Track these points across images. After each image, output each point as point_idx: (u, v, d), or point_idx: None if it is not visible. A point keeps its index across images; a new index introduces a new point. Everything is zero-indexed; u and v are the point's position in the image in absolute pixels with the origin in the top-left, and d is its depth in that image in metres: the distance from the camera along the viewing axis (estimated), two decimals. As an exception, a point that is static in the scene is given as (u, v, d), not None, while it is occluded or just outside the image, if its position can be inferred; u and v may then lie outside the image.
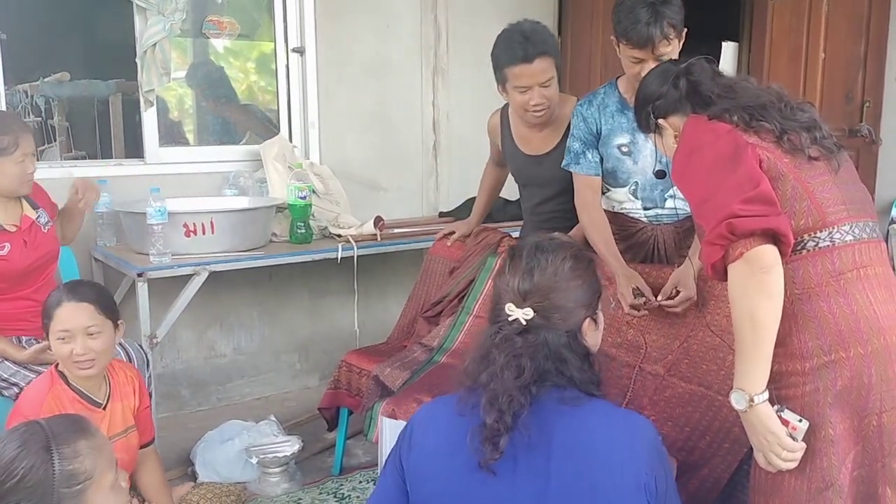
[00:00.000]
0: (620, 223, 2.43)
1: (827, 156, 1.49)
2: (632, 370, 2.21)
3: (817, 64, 4.32)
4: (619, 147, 2.34)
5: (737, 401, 1.40)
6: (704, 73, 1.61)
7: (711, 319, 2.13)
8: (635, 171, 2.34)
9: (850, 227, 1.45)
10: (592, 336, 1.47)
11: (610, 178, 2.39)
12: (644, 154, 2.32)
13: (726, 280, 1.40)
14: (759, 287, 1.35)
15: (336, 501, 2.73)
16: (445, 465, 1.37)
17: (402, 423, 2.04)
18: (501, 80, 2.50)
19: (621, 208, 2.42)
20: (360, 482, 2.85)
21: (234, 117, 3.87)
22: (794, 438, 1.40)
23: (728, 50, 3.90)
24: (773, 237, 1.35)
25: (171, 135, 3.65)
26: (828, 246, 1.43)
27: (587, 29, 4.12)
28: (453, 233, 3.04)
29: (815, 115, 1.52)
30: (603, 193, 2.41)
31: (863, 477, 1.45)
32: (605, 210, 2.42)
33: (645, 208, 2.37)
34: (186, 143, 3.69)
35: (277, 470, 2.80)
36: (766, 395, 1.39)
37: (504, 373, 1.34)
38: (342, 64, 3.76)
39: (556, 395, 1.36)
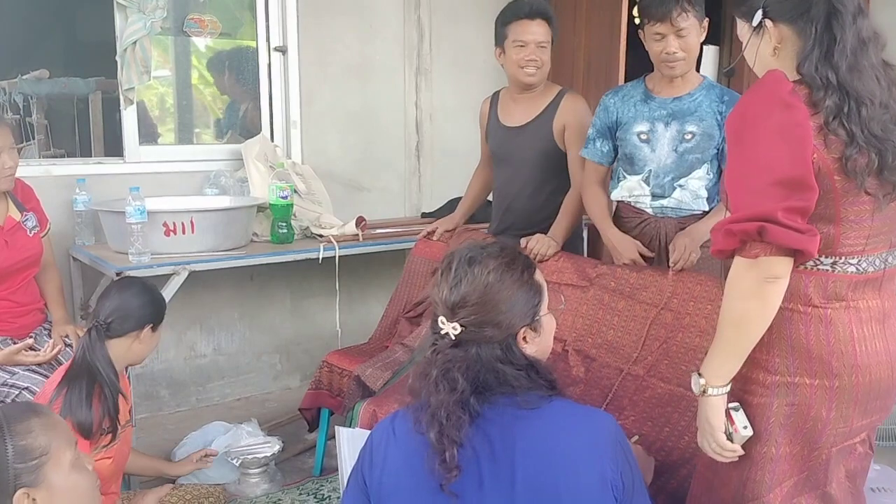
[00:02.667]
0: (627, 214, 2.52)
1: (882, 192, 1.35)
2: (612, 371, 2.22)
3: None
4: (638, 134, 2.43)
5: (693, 383, 1.42)
6: (851, 13, 1.35)
7: (691, 321, 2.14)
8: (651, 159, 2.42)
9: (858, 261, 1.38)
10: (534, 344, 1.42)
11: (626, 165, 2.49)
12: (662, 143, 2.40)
13: (723, 259, 1.36)
14: (758, 293, 1.31)
15: (316, 502, 2.72)
16: (408, 485, 1.34)
17: (358, 433, 2.02)
18: (502, 39, 2.69)
19: (630, 196, 2.49)
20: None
21: (215, 116, 3.85)
22: (730, 439, 1.41)
23: (709, 53, 3.92)
24: (795, 252, 1.29)
25: (152, 133, 3.63)
26: (827, 270, 1.38)
27: (570, 29, 4.12)
28: (435, 230, 3.05)
29: None
30: (619, 181, 2.52)
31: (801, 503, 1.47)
32: (616, 200, 2.57)
33: (653, 196, 2.44)
34: (167, 142, 3.66)
35: (257, 471, 2.79)
36: (723, 390, 1.39)
37: (438, 387, 1.31)
38: (325, 63, 3.75)
39: (509, 401, 1.33)
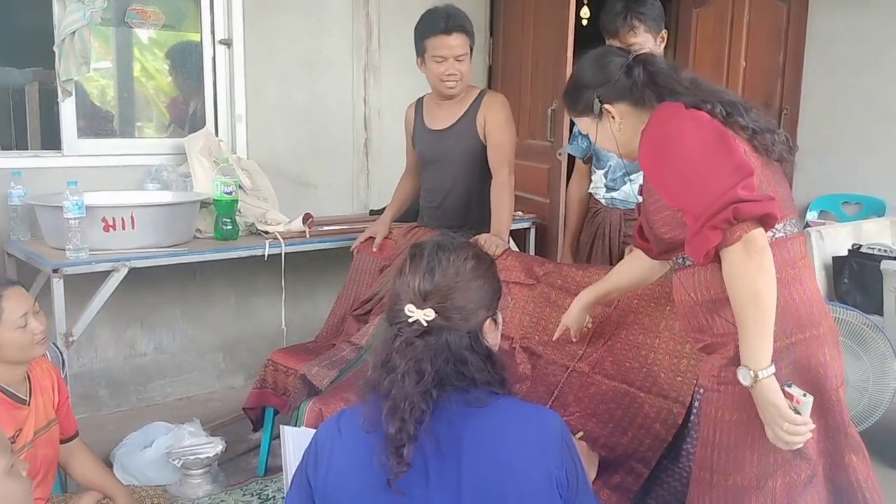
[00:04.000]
0: (591, 205, 2.80)
1: (782, 159, 1.56)
2: (558, 368, 2.24)
3: (738, 71, 4.47)
4: None
5: (743, 377, 1.45)
6: (661, 66, 1.63)
7: (635, 319, 2.17)
8: (611, 157, 2.59)
9: (795, 221, 1.56)
10: (493, 336, 1.44)
11: (595, 161, 2.70)
12: None
13: (708, 263, 1.46)
14: (759, 268, 1.41)
15: (260, 503, 2.68)
16: (354, 484, 1.32)
17: (303, 431, 1.98)
18: (421, 52, 2.74)
19: (593, 189, 2.76)
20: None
21: (157, 110, 3.76)
22: (797, 412, 1.44)
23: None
24: (762, 221, 1.41)
25: (91, 126, 3.51)
26: (783, 237, 1.51)
27: (518, 30, 4.15)
28: (373, 238, 3.06)
29: (771, 122, 1.58)
30: (591, 177, 2.74)
31: (829, 449, 1.54)
32: (589, 193, 2.77)
33: (606, 189, 2.65)
34: (107, 135, 3.55)
35: (200, 472, 2.74)
36: (770, 369, 1.43)
37: (405, 379, 1.30)
38: (271, 58, 3.70)
39: (460, 398, 1.33)
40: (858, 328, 3.00)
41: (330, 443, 1.38)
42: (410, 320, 1.35)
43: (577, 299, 2.14)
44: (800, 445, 1.47)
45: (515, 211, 3.29)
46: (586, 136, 2.59)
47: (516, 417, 1.36)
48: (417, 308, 1.34)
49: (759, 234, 1.41)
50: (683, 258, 1.60)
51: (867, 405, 2.96)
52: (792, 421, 1.43)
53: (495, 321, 1.46)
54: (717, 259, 1.45)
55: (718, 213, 1.39)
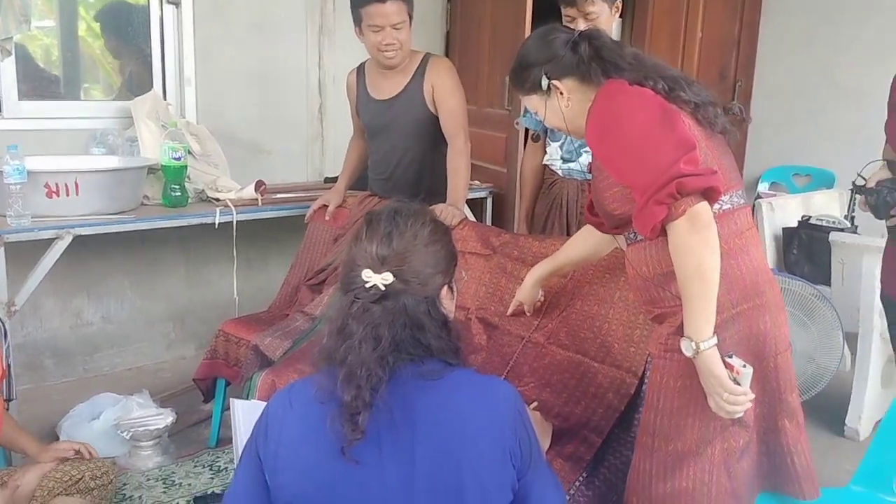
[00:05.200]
0: (546, 176, 2.74)
1: (725, 131, 1.59)
2: (513, 338, 2.23)
3: (695, 43, 4.48)
4: None
5: (685, 348, 1.47)
6: (607, 40, 1.64)
7: (590, 290, 2.17)
8: None
9: (741, 193, 1.58)
10: (449, 304, 1.44)
11: (550, 133, 2.66)
12: None
13: (655, 236, 1.47)
14: (703, 241, 1.42)
15: (212, 474, 2.65)
16: (306, 456, 1.30)
17: (253, 404, 1.95)
18: (358, 21, 2.67)
19: (549, 160, 2.70)
20: (238, 454, 2.78)
21: (103, 71, 3.62)
22: (737, 383, 1.47)
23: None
24: (706, 195, 1.43)
25: (34, 88, 3.36)
26: (729, 209, 1.53)
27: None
28: (326, 206, 3.01)
29: (712, 95, 1.59)
30: (545, 149, 2.70)
31: (764, 414, 1.59)
32: (544, 164, 2.72)
33: (563, 160, 2.61)
34: (50, 97, 3.41)
35: (150, 443, 2.70)
36: (712, 341, 1.46)
37: (362, 345, 1.28)
38: (222, 19, 3.59)
39: (414, 369, 1.31)
40: (806, 298, 3.06)
41: (281, 415, 1.35)
42: (368, 285, 1.32)
43: (530, 274, 2.15)
44: (740, 414, 1.51)
45: (472, 180, 3.27)
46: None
47: (470, 389, 1.35)
48: (375, 272, 1.32)
49: (703, 208, 1.42)
50: (635, 233, 1.61)
51: (814, 373, 3.03)
52: (732, 391, 1.47)
53: (451, 289, 1.45)
54: (664, 233, 1.46)
55: (662, 188, 1.41)
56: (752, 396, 1.50)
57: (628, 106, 1.50)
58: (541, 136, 2.68)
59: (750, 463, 1.60)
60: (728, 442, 1.56)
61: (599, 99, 1.56)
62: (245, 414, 1.75)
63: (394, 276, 1.32)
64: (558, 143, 2.65)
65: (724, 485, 1.55)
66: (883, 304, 2.44)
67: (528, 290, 2.16)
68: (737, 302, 1.51)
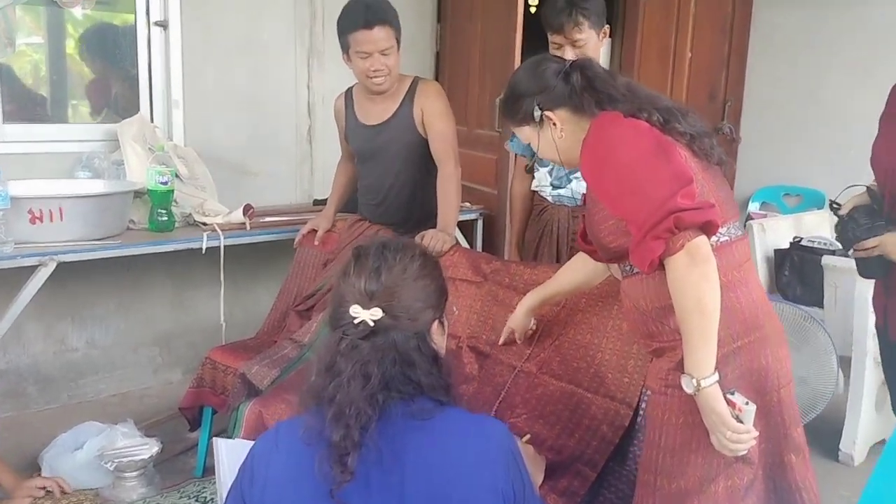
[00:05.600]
0: (535, 202, 2.73)
1: (721, 162, 1.57)
2: (505, 368, 2.20)
3: (684, 63, 4.49)
4: None
5: (686, 385, 1.45)
6: (599, 71, 1.62)
7: (583, 318, 2.14)
8: None
9: (738, 224, 1.56)
10: (440, 339, 1.42)
11: (537, 158, 2.55)
12: None
13: (652, 271, 1.45)
14: (703, 276, 1.40)
15: (198, 505, 2.59)
16: (293, 499, 1.27)
17: (238, 444, 1.89)
18: (345, 48, 2.63)
19: (538, 186, 2.68)
20: (225, 484, 2.72)
21: (89, 93, 3.58)
22: (740, 420, 1.45)
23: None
24: (704, 229, 1.41)
25: (18, 111, 3.32)
26: (727, 241, 1.51)
27: (466, 17, 4.08)
28: (315, 231, 2.98)
29: (707, 125, 1.57)
30: (534, 174, 2.67)
31: (769, 449, 1.56)
32: (533, 190, 2.71)
33: (553, 186, 2.60)
34: (34, 121, 3.37)
35: (134, 474, 2.63)
36: (714, 377, 1.43)
37: (351, 383, 1.25)
38: (210, 41, 3.56)
39: (404, 409, 1.29)
40: (798, 323, 3.04)
41: (266, 457, 1.32)
42: (356, 321, 1.30)
43: (522, 303, 2.12)
44: (743, 452, 1.48)
45: (462, 202, 3.24)
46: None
47: (461, 430, 1.32)
48: (363, 308, 1.30)
49: (701, 242, 1.40)
50: (631, 266, 1.58)
51: (809, 398, 3.01)
52: (734, 429, 1.44)
53: (442, 324, 1.43)
54: (661, 268, 1.44)
55: (660, 223, 1.38)
56: (756, 434, 1.47)
57: (623, 139, 1.48)
58: (534, 166, 2.66)
59: (756, 501, 1.56)
60: (732, 479, 1.53)
61: (593, 131, 1.54)
62: (229, 454, 1.70)
63: (383, 311, 1.30)
64: (547, 169, 2.63)
65: None
66: (877, 331, 2.42)
67: (519, 318, 2.13)
68: (737, 336, 1.49)
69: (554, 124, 1.62)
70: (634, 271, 1.57)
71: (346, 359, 1.28)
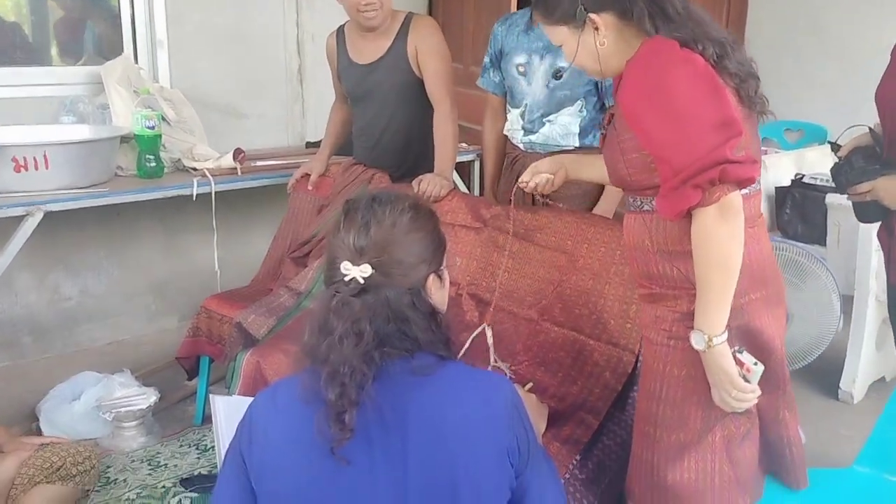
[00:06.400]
0: (508, 150, 2.60)
1: (763, 111, 1.48)
2: (505, 315, 2.16)
3: (685, -4, 4.35)
4: (517, 66, 2.41)
5: (696, 341, 1.41)
6: None
7: (584, 263, 2.10)
8: (528, 93, 2.41)
9: (758, 178, 1.48)
10: (438, 294, 1.36)
11: (510, 97, 2.50)
12: (537, 76, 2.37)
13: (676, 220, 1.39)
14: (731, 233, 1.36)
15: (198, 453, 2.59)
16: (293, 459, 1.24)
17: (236, 400, 1.87)
18: None
19: (509, 130, 2.54)
20: (225, 432, 2.72)
21: (70, 34, 3.45)
22: (747, 380, 1.43)
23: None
24: (740, 184, 1.36)
25: (-1, 52, 3.21)
26: (747, 194, 1.43)
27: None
28: (308, 175, 2.91)
29: (754, 65, 1.45)
30: (508, 114, 2.53)
31: (766, 404, 1.55)
32: (505, 135, 2.58)
33: (524, 131, 2.46)
34: (14, 64, 3.25)
35: (133, 424, 2.62)
36: (724, 335, 1.40)
37: (343, 341, 1.21)
38: (193, -23, 3.42)
39: (405, 365, 1.25)
40: (799, 261, 3.01)
41: (265, 417, 1.29)
42: (347, 279, 1.25)
43: (557, 156, 2.01)
44: (743, 409, 1.47)
45: (459, 142, 3.16)
46: (498, 69, 2.47)
47: (464, 386, 1.29)
48: (353, 265, 1.25)
49: (736, 198, 1.34)
50: (641, 201, 1.51)
51: (812, 337, 2.99)
52: (741, 389, 1.42)
53: (440, 277, 1.37)
54: (686, 216, 1.38)
55: (704, 172, 1.31)
56: (759, 393, 1.45)
57: (677, 74, 1.36)
58: (506, 107, 2.53)
59: (752, 450, 1.56)
60: (729, 428, 1.52)
61: (645, 56, 1.41)
62: (227, 411, 1.67)
63: (373, 267, 1.25)
64: (519, 111, 2.48)
65: (727, 473, 1.51)
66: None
67: (545, 161, 1.98)
68: (743, 292, 1.44)
69: (596, 29, 1.45)
70: (644, 208, 1.50)
71: (338, 316, 1.24)
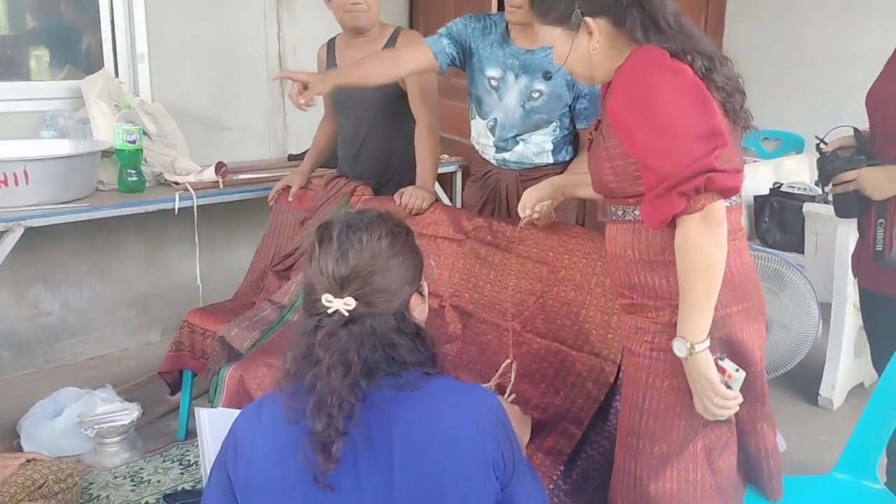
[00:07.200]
0: (477, 163, 2.56)
1: (747, 126, 1.50)
2: (489, 327, 2.18)
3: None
4: (489, 79, 2.36)
5: (678, 348, 1.42)
6: None
7: (566, 275, 2.11)
8: (498, 108, 2.37)
9: (739, 192, 1.51)
10: (420, 310, 1.36)
11: (476, 104, 2.45)
12: (510, 94, 2.34)
13: (660, 227, 1.40)
14: (715, 241, 1.37)
15: (182, 469, 2.58)
16: (278, 478, 1.23)
17: (220, 413, 1.86)
18: None
19: (477, 142, 2.50)
20: (208, 446, 2.70)
21: (50, 49, 3.44)
22: (729, 387, 1.44)
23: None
24: (723, 194, 1.38)
25: (-25, 67, 3.19)
26: (729, 206, 1.45)
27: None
28: (289, 188, 2.91)
29: (741, 80, 1.48)
30: (472, 118, 2.49)
31: (743, 416, 1.56)
32: (471, 144, 2.54)
33: (496, 148, 2.42)
34: (-6, 77, 3.24)
35: (116, 439, 2.61)
36: (706, 343, 1.41)
37: (331, 373, 1.20)
38: (174, -10, 3.42)
39: (391, 382, 1.25)
40: (777, 269, 3.04)
41: (250, 434, 1.28)
42: (330, 311, 1.23)
43: (549, 180, 2.01)
44: (725, 417, 1.48)
45: (441, 154, 3.18)
46: (455, 47, 2.40)
47: (449, 399, 1.29)
48: (336, 297, 1.23)
49: (719, 207, 1.36)
50: (623, 210, 1.53)
51: (791, 344, 3.03)
52: (723, 396, 1.44)
53: (421, 294, 1.37)
54: (670, 225, 1.39)
55: (689, 180, 1.33)
56: (741, 400, 1.46)
57: (666, 82, 1.38)
58: (472, 111, 2.47)
59: (731, 458, 1.57)
60: (709, 438, 1.53)
61: (636, 63, 1.43)
62: (211, 423, 1.66)
63: (356, 299, 1.23)
64: (485, 123, 2.41)
65: (709, 482, 1.53)
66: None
67: (540, 187, 1.98)
68: (725, 304, 1.46)
69: (590, 33, 1.47)
70: (626, 217, 1.52)
71: (324, 347, 1.22)
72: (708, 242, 1.37)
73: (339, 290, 1.23)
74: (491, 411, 1.30)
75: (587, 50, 1.49)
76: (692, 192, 1.34)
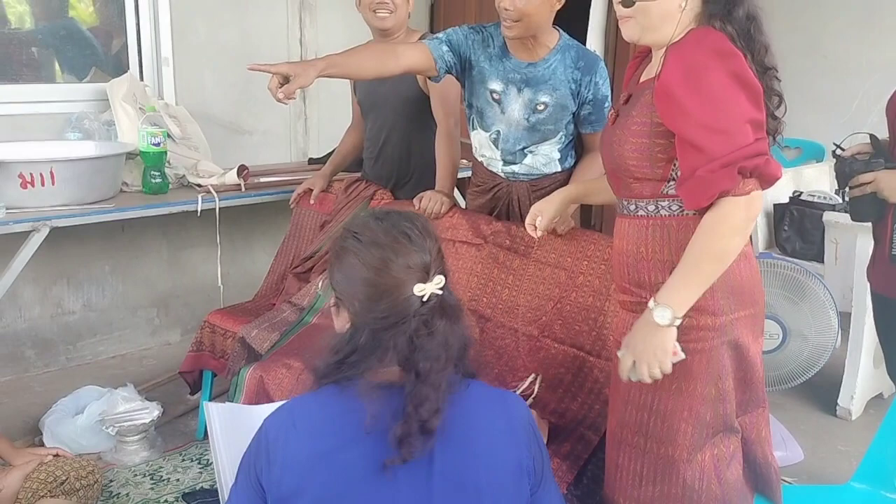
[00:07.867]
0: (482, 175, 2.50)
1: (775, 132, 1.51)
2: (506, 331, 2.19)
3: (683, 12, 4.38)
4: (491, 92, 2.34)
5: (660, 315, 1.41)
6: None
7: (584, 280, 2.12)
8: (501, 120, 2.35)
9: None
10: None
11: (477, 116, 2.42)
12: (513, 107, 2.31)
13: (702, 207, 1.38)
14: (744, 228, 1.39)
15: (200, 468, 2.60)
16: (319, 479, 1.22)
17: (230, 408, 1.86)
18: None
19: (481, 155, 2.46)
20: (227, 446, 2.73)
21: (76, 51, 3.49)
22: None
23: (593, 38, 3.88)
24: (764, 185, 1.40)
25: (3, 70, 3.24)
26: None
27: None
28: (311, 190, 2.95)
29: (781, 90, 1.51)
30: (471, 129, 2.46)
31: (747, 423, 1.58)
32: (475, 158, 2.51)
33: (504, 161, 2.39)
34: (21, 80, 3.29)
35: (136, 438, 2.63)
36: (682, 319, 1.42)
37: (437, 362, 1.21)
38: (199, -5, 3.46)
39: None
40: (797, 278, 3.03)
41: (284, 438, 1.26)
42: (424, 298, 1.23)
43: (560, 190, 2.01)
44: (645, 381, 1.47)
45: (461, 159, 3.19)
46: (454, 56, 2.33)
47: (485, 406, 1.31)
48: (424, 283, 1.23)
49: (760, 197, 1.38)
50: (636, 205, 1.53)
51: (810, 353, 3.01)
52: (665, 371, 1.44)
53: None
54: (697, 214, 1.41)
55: (749, 158, 1.34)
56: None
57: (726, 63, 1.38)
58: (471, 120, 2.44)
59: (738, 469, 1.58)
60: (718, 448, 1.54)
61: (695, 40, 1.41)
62: (222, 418, 1.64)
63: (444, 275, 1.25)
64: (488, 136, 2.38)
65: (715, 492, 1.53)
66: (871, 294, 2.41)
67: (552, 202, 1.97)
68: (735, 308, 1.48)
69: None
70: (639, 213, 1.52)
71: (431, 336, 1.22)
72: (736, 228, 1.38)
73: (426, 276, 1.24)
74: (524, 419, 1.33)
75: (678, 7, 1.44)
76: (749, 171, 1.35)
